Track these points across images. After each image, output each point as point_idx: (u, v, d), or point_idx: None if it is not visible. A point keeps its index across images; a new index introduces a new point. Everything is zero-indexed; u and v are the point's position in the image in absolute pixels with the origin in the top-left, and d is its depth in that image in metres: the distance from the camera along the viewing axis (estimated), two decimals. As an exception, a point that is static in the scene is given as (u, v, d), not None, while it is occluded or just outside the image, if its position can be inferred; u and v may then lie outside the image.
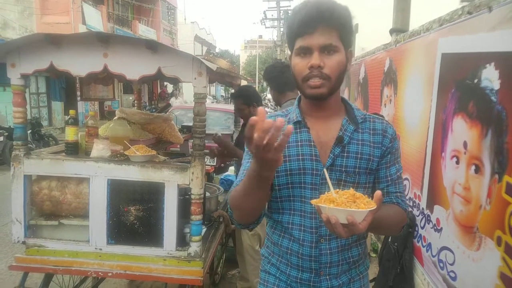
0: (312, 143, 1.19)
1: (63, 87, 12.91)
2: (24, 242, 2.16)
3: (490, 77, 1.91)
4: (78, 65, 2.00)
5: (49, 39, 1.95)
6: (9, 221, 2.18)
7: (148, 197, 2.10)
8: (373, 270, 3.59)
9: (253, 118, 0.82)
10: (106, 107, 15.56)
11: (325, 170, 1.07)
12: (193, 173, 2.02)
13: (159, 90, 20.89)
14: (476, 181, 2.04)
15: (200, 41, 34.05)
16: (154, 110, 14.96)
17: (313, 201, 0.95)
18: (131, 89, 12.90)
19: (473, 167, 2.08)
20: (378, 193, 0.92)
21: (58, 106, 14.38)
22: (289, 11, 25.95)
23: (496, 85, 1.86)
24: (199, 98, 1.99)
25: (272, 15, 27.98)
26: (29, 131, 9.15)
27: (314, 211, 1.17)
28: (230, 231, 3.04)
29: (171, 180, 2.05)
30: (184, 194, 2.15)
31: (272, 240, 1.33)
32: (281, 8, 25.51)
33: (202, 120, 2.02)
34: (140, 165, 2.07)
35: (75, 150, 2.25)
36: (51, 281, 2.34)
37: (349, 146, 1.19)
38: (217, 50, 44.68)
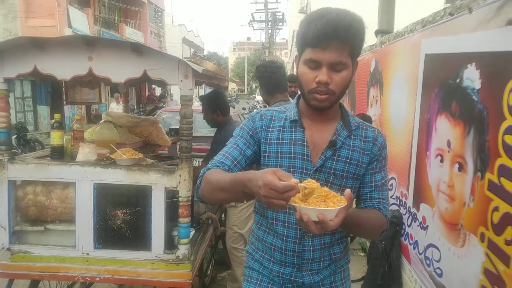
0: (305, 143, 1.22)
1: (49, 91, 12.73)
2: (9, 249, 2.13)
3: (472, 77, 1.95)
4: (63, 68, 1.98)
5: (33, 43, 1.93)
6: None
7: (135, 200, 2.09)
8: (363, 269, 3.62)
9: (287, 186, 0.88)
10: (93, 110, 15.39)
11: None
12: (180, 175, 2.02)
13: (147, 93, 20.75)
14: (460, 179, 2.08)
15: (188, 44, 33.95)
16: (142, 113, 14.87)
17: (291, 201, 0.97)
18: (118, 92, 12.81)
19: (456, 165, 2.12)
20: (347, 191, 0.95)
21: (44, 110, 14.17)
22: (277, 14, 26.06)
23: (477, 84, 1.90)
24: (186, 101, 1.99)
25: (260, 17, 28.08)
26: (14, 136, 8.99)
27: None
28: (220, 233, 3.04)
29: (158, 183, 2.04)
30: (172, 197, 2.14)
31: (257, 236, 1.36)
32: (268, 10, 25.61)
33: (189, 122, 2.02)
34: (126, 169, 2.06)
35: (60, 154, 2.23)
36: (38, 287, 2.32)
37: (340, 150, 1.22)
38: (205, 53, 44.59)
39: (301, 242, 1.24)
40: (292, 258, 1.26)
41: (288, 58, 30.58)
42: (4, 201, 2.09)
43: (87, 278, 2.13)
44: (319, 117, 1.23)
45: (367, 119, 3.73)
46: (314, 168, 1.20)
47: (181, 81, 1.95)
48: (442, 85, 2.32)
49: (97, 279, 2.12)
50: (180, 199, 2.05)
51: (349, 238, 4.05)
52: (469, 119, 1.99)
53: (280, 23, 26.86)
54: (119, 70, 1.95)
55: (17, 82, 11.44)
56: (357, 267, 3.72)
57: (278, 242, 1.27)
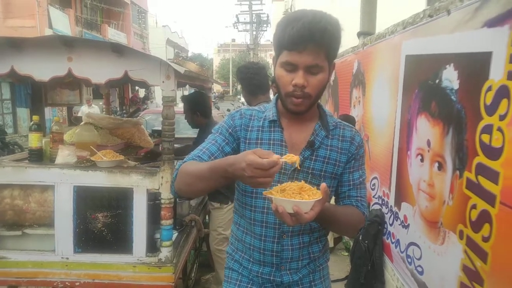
0: (284, 143, 1.23)
1: (29, 93, 12.39)
2: (-16, 254, 2.07)
3: (450, 78, 1.99)
4: (41, 69, 1.94)
5: (9, 43, 1.88)
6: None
7: (116, 203, 2.06)
8: (346, 269, 3.65)
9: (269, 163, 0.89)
10: (74, 112, 15.13)
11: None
12: (162, 177, 1.99)
13: (130, 95, 20.51)
14: (439, 178, 2.12)
15: (172, 45, 33.70)
16: (125, 115, 14.67)
17: (265, 192, 1.00)
18: (101, 94, 12.56)
19: (436, 165, 2.16)
20: (323, 185, 0.96)
21: (23, 112, 13.85)
22: (262, 15, 26.13)
23: (455, 85, 1.94)
24: (168, 102, 1.97)
25: (244, 19, 28.12)
26: (-8, 139, 8.78)
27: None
28: (203, 235, 3.02)
29: (140, 185, 2.01)
30: (154, 199, 2.12)
31: (236, 237, 1.36)
32: (253, 12, 25.65)
33: (171, 123, 2.01)
34: (107, 171, 2.03)
35: (39, 157, 2.18)
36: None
37: (318, 151, 1.23)
38: (189, 54, 44.35)
39: (280, 242, 1.24)
40: (271, 257, 1.26)
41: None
42: (-20, 206, 2.03)
43: (66, 283, 2.08)
44: (297, 118, 1.24)
45: (351, 119, 3.77)
46: (293, 168, 1.20)
47: (163, 82, 1.93)
48: (422, 85, 2.36)
49: (77, 283, 2.08)
50: (162, 201, 2.03)
51: (331, 238, 4.04)
52: (448, 119, 2.02)
53: (265, 25, 26.95)
54: (99, 70, 1.92)
55: (-5, 84, 11.17)
56: (341, 267, 3.75)
57: (256, 242, 1.27)
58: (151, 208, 2.08)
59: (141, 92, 21.20)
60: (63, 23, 14.93)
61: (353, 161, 1.26)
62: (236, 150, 1.24)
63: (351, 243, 3.74)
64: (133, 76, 1.91)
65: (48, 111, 14.51)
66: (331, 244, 4.07)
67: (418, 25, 2.40)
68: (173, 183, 1.20)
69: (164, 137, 2.02)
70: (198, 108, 3.00)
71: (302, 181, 1.05)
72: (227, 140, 1.24)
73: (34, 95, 3.20)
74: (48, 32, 13.50)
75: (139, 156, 3.01)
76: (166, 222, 2.05)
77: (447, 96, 2.01)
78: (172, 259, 2.09)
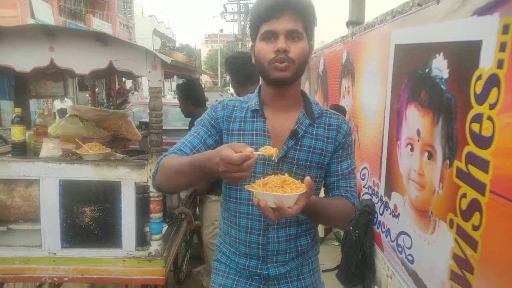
0: (267, 134, 1.19)
1: (12, 84, 12.15)
2: (-32, 251, 2.01)
3: (440, 67, 1.98)
4: (22, 59, 1.87)
5: (-13, 32, 1.81)
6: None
7: (104, 197, 2.02)
8: (337, 259, 3.67)
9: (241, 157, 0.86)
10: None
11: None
12: (150, 170, 1.95)
13: (117, 86, 20.21)
14: (429, 167, 2.12)
15: (159, 35, 33.22)
16: (112, 106, 14.47)
17: (247, 186, 0.96)
18: (86, 85, 12.35)
19: (426, 154, 2.16)
20: (307, 178, 0.93)
21: (7, 105, 13.51)
22: (249, 5, 25.88)
23: (445, 74, 1.93)
24: (155, 92, 1.93)
25: (232, 9, 27.84)
26: (-25, 133, 8.56)
27: None
28: (194, 227, 3.00)
29: (127, 178, 1.97)
30: (143, 192, 2.08)
31: (223, 230, 1.35)
32: (241, 2, 25.38)
33: (158, 115, 1.96)
34: (94, 164, 1.98)
35: (23, 150, 2.12)
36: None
37: (302, 140, 1.20)
38: (177, 45, 43.80)
39: (265, 234, 1.22)
40: (257, 250, 1.23)
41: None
42: (-38, 201, 1.97)
43: (54, 278, 2.04)
44: (281, 103, 1.21)
45: (341, 109, 3.76)
46: (277, 159, 1.18)
47: (150, 72, 1.88)
48: (412, 75, 2.35)
49: (66, 279, 2.04)
50: (151, 194, 1.99)
51: (321, 229, 4.04)
52: (437, 108, 2.02)
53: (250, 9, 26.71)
54: (83, 61, 1.86)
55: (-23, 76, 10.87)
56: (332, 256, 3.77)
57: (242, 235, 1.25)
58: (140, 202, 2.04)
59: (128, 84, 20.92)
60: (45, 12, 14.57)
61: (340, 150, 1.23)
62: (219, 143, 1.21)
63: (342, 233, 3.76)
64: (118, 67, 1.86)
65: (33, 104, 14.23)
66: (321, 234, 4.09)
67: (407, 14, 2.39)
68: (154, 177, 1.17)
69: (151, 129, 1.98)
70: (190, 97, 2.98)
71: (286, 173, 1.01)
72: (209, 133, 1.21)
73: (17, 87, 3.11)
74: (30, 22, 13.16)
75: (126, 148, 2.96)
76: (156, 216, 2.01)
77: (437, 85, 2.01)
78: (163, 252, 2.06)
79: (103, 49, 1.84)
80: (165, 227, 2.32)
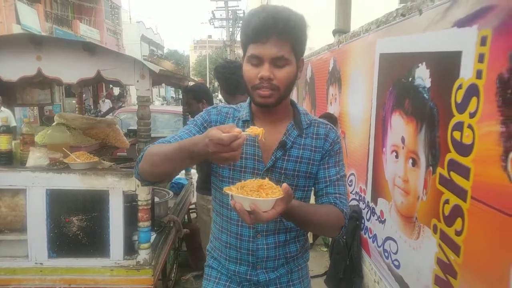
0: (256, 144, 1.21)
1: (-3, 91, 11.99)
2: (-48, 263, 1.99)
3: (423, 76, 2.04)
4: (9, 69, 1.86)
5: (-27, 41, 1.80)
6: None
7: (91, 206, 2.01)
8: (325, 264, 3.69)
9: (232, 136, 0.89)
10: (46, 112, 14.65)
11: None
12: (139, 178, 1.96)
13: (104, 93, 20.04)
14: (414, 174, 2.17)
15: (147, 41, 33.12)
16: (99, 113, 14.34)
17: (226, 188, 0.98)
18: (73, 93, 12.21)
19: (410, 161, 2.21)
20: (284, 185, 0.95)
21: (-9, 112, 13.34)
22: (238, 11, 26.04)
23: (427, 83, 1.99)
24: (143, 101, 1.94)
25: (220, 15, 27.92)
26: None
27: None
28: (182, 235, 2.99)
29: (115, 187, 1.97)
30: (131, 201, 2.08)
31: (214, 235, 1.36)
32: (229, 8, 25.51)
33: (146, 123, 1.97)
34: (81, 173, 1.98)
35: (9, 160, 2.10)
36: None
37: (290, 150, 1.22)
38: (165, 50, 43.70)
39: (255, 241, 1.24)
40: (247, 256, 1.25)
41: (249, 56, 30.57)
42: None
43: (41, 289, 2.03)
44: (269, 117, 1.22)
45: (333, 118, 3.81)
46: (265, 169, 1.19)
47: (138, 81, 1.89)
48: (396, 83, 2.40)
49: (53, 289, 2.03)
50: (139, 202, 1.99)
51: (310, 234, 4.06)
52: (421, 116, 2.08)
53: (241, 21, 26.83)
54: (71, 70, 1.87)
55: (-39, 82, 10.68)
56: (320, 262, 3.79)
57: (233, 241, 1.26)
58: (128, 210, 2.04)
59: (116, 90, 20.76)
60: (31, 18, 14.41)
61: (327, 158, 1.24)
62: None
63: (330, 239, 3.79)
64: (106, 76, 1.87)
65: (18, 111, 14.01)
66: (310, 240, 4.11)
67: (391, 24, 2.45)
68: (138, 164, 1.17)
69: (139, 137, 1.99)
70: (206, 97, 3.01)
71: (266, 178, 1.03)
72: (201, 132, 1.21)
73: (4, 94, 3.08)
74: (16, 28, 13.01)
75: (114, 156, 2.94)
76: (144, 224, 2.02)
77: (420, 94, 2.06)
78: (151, 261, 2.06)
79: (91, 59, 1.85)
80: (153, 236, 2.32)
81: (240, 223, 1.24)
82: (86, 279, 2.02)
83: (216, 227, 1.34)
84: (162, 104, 20.70)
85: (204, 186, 2.91)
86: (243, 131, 1.21)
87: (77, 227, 2.01)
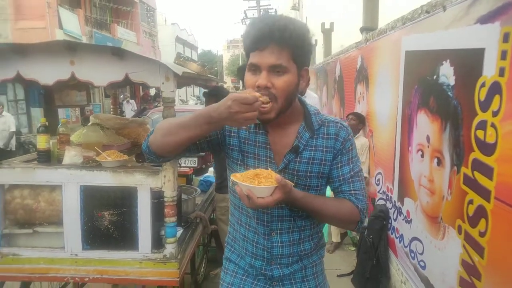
0: (268, 146, 1.24)
1: (42, 93, 12.66)
2: (-2, 252, 2.16)
3: (447, 74, 2.00)
4: (45, 73, 2.00)
5: (14, 48, 1.95)
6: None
7: (121, 201, 2.12)
8: (353, 264, 3.67)
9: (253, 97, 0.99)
10: (87, 112, 15.34)
11: None
12: (165, 176, 2.05)
13: (141, 93, 20.69)
14: (439, 173, 2.13)
15: (182, 42, 33.82)
16: (123, 114, 14.80)
17: (232, 175, 1.08)
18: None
19: (435, 160, 2.17)
20: (277, 175, 1.04)
21: (37, 112, 14.07)
22: (270, 10, 26.04)
23: (451, 81, 1.95)
24: (168, 102, 2.02)
25: (253, 14, 28.00)
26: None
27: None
28: (210, 231, 3.08)
29: (143, 184, 2.07)
30: (158, 197, 2.17)
31: (234, 226, 1.40)
32: (261, 7, 25.57)
33: (172, 123, 2.05)
34: (112, 170, 2.09)
35: (47, 157, 2.26)
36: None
37: (302, 152, 1.23)
38: (199, 51, 44.40)
39: (270, 239, 1.28)
40: (262, 251, 1.29)
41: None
42: (-8, 205, 2.12)
43: (76, 278, 2.16)
44: (280, 121, 1.21)
45: (361, 118, 3.78)
46: (277, 170, 1.21)
47: (163, 83, 1.98)
48: (421, 81, 2.36)
49: (87, 279, 2.16)
50: (165, 199, 2.08)
51: (337, 234, 4.04)
52: (445, 115, 2.04)
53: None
54: (101, 74, 1.98)
55: (9, 85, 11.38)
56: (348, 261, 3.77)
57: (250, 235, 1.31)
58: (155, 206, 2.14)
59: (152, 91, 21.36)
60: (73, 23, 15.11)
61: (339, 156, 1.25)
62: (219, 138, 1.28)
63: (358, 238, 3.77)
64: (134, 78, 1.96)
65: (61, 112, 14.74)
66: (337, 239, 4.10)
67: (416, 21, 2.41)
68: (148, 137, 1.23)
69: (166, 137, 2.07)
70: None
71: (269, 169, 1.12)
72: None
73: (47, 95, 3.28)
74: (58, 32, 13.70)
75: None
76: (170, 220, 2.10)
77: (444, 92, 2.03)
78: (177, 255, 2.15)
79: (120, 63, 1.95)
80: (180, 231, 2.41)
81: (256, 220, 1.28)
82: (116, 270, 2.13)
83: (235, 220, 1.38)
84: (196, 104, 21.11)
85: (222, 185, 3.00)
86: (256, 136, 1.25)
87: (108, 221, 2.13)
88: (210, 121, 1.05)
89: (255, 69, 1.11)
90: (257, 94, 1.02)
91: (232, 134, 1.28)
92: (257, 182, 1.04)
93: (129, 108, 12.54)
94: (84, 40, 15.56)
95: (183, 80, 2.40)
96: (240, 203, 1.33)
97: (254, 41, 1.10)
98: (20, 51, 1.95)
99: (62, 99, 3.26)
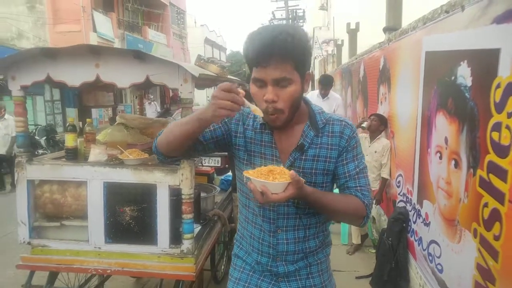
0: (274, 145, 1.29)
1: (76, 93, 13.24)
2: (29, 243, 2.30)
3: (464, 74, 1.97)
4: (73, 75, 2.13)
5: (44, 53, 2.09)
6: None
7: (141, 198, 2.22)
8: (373, 266, 3.63)
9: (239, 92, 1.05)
10: (119, 112, 15.87)
11: None
12: (182, 174, 2.12)
13: (171, 94, 21.15)
14: (456, 176, 2.10)
15: (211, 44, 34.30)
16: (169, 112, 15.22)
17: (245, 171, 1.11)
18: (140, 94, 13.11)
19: (453, 162, 2.14)
20: (291, 172, 1.05)
21: (72, 112, 14.73)
22: (298, 11, 25.93)
23: (468, 82, 1.92)
24: (186, 103, 2.10)
25: (281, 15, 27.99)
26: (43, 138, 9.43)
27: (272, 204, 1.27)
28: (229, 229, 3.14)
29: (162, 181, 2.16)
30: (177, 194, 2.26)
31: (242, 224, 1.45)
32: (289, 8, 25.52)
33: (189, 124, 2.13)
34: (133, 168, 2.19)
35: (74, 155, 2.39)
36: (58, 280, 2.49)
37: (307, 150, 1.27)
38: (228, 52, 44.83)
39: (275, 236, 1.31)
40: (268, 248, 1.33)
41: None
42: (24, 199, 2.27)
43: (99, 270, 2.28)
44: None
45: (383, 119, 3.74)
46: (284, 167, 1.26)
47: (181, 85, 2.05)
48: (440, 82, 2.33)
49: (108, 271, 2.27)
50: (183, 196, 2.16)
51: (358, 235, 4.01)
52: (462, 116, 2.01)
53: (301, 20, 26.67)
54: (124, 76, 2.08)
55: (46, 87, 11.94)
56: (367, 264, 3.74)
57: (256, 232, 1.35)
58: (174, 203, 2.22)
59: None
60: (106, 26, 15.67)
61: (345, 154, 1.27)
62: (226, 139, 1.33)
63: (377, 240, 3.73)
64: (154, 80, 2.05)
65: (95, 111, 15.33)
66: (358, 241, 4.07)
67: (436, 21, 2.38)
68: (156, 138, 1.31)
69: (184, 137, 2.15)
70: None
71: (281, 165, 1.14)
72: (220, 126, 1.32)
73: (80, 96, 3.45)
74: (92, 35, 14.25)
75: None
76: (187, 216, 2.18)
77: (461, 93, 2.00)
78: (194, 250, 2.22)
79: (141, 65, 2.05)
80: (198, 228, 2.49)
81: (261, 218, 1.33)
82: (136, 263, 2.23)
83: (243, 218, 1.43)
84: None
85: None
86: (262, 136, 1.30)
87: (129, 216, 2.23)
88: (199, 116, 1.12)
89: (261, 83, 1.15)
90: (242, 92, 1.06)
91: (238, 134, 1.33)
92: (272, 178, 1.07)
93: (152, 109, 12.86)
94: (117, 42, 16.11)
95: (202, 82, 2.48)
96: (247, 201, 1.38)
97: (256, 59, 1.12)
98: (50, 55, 2.09)
99: (89, 100, 3.42)
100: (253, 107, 1.12)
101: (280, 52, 1.09)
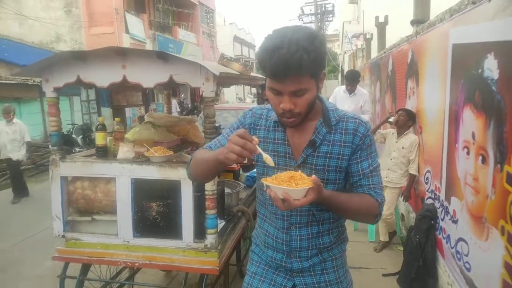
0: (286, 142, 1.31)
1: (109, 94, 13.67)
2: (63, 236, 2.44)
3: (491, 67, 1.91)
4: (101, 77, 2.23)
5: (75, 56, 2.19)
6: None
7: (167, 194, 2.29)
8: (400, 263, 3.57)
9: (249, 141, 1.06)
10: (151, 110, 16.26)
11: None
12: (205, 171, 2.18)
13: (201, 92, 21.49)
14: (483, 172, 2.04)
15: (239, 41, 34.45)
16: (195, 111, 15.51)
17: (263, 179, 1.11)
18: (174, 92, 13.43)
19: (480, 158, 2.08)
20: (313, 176, 1.04)
21: (107, 111, 15.26)
22: (327, 5, 25.55)
23: (495, 74, 1.86)
24: (208, 102, 2.15)
25: (310, 10, 27.67)
26: (80, 136, 9.86)
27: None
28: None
29: (186, 178, 2.20)
30: (201, 190, 2.32)
31: (258, 223, 1.49)
32: (318, 3, 25.19)
33: (211, 122, 2.18)
34: (158, 165, 2.27)
35: (104, 153, 2.50)
36: (90, 271, 2.62)
37: (320, 147, 1.28)
38: (256, 49, 44.87)
39: (288, 232, 1.34)
40: (282, 245, 1.36)
41: (340, 50, 29.87)
42: (58, 195, 2.40)
43: (128, 263, 2.38)
44: None
45: (412, 114, 3.66)
46: (296, 165, 1.27)
47: (203, 84, 2.10)
48: (467, 75, 2.26)
49: (137, 264, 2.37)
50: (206, 192, 2.21)
51: (385, 233, 3.97)
52: (489, 111, 1.94)
53: (330, 15, 26.25)
54: (149, 76, 2.15)
55: (82, 87, 12.43)
56: (395, 261, 3.68)
57: (272, 229, 1.38)
58: (198, 199, 2.28)
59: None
60: (138, 27, 16.09)
61: (359, 152, 1.27)
62: None
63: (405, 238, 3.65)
64: (177, 80, 2.11)
65: (128, 111, 15.82)
66: (385, 238, 4.00)
67: (463, 12, 2.30)
68: (188, 166, 1.37)
69: (206, 134, 2.21)
70: None
71: (299, 170, 1.13)
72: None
73: (111, 96, 3.60)
74: (125, 37, 14.68)
75: (190, 152, 3.25)
76: (210, 212, 2.23)
77: (488, 87, 1.93)
78: (217, 245, 2.27)
79: (165, 65, 2.11)
80: (222, 223, 2.55)
81: (275, 215, 1.35)
82: (163, 257, 2.31)
83: (260, 216, 1.47)
84: (253, 101, 21.45)
85: None
86: (275, 134, 1.32)
87: (155, 211, 2.31)
88: (217, 156, 1.14)
89: (277, 92, 1.16)
90: (256, 140, 1.07)
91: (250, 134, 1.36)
92: (294, 184, 1.06)
93: (172, 108, 13.13)
94: (148, 43, 16.51)
95: (225, 80, 2.52)
96: (264, 199, 1.40)
97: (272, 74, 1.12)
98: (79, 57, 2.19)
99: (123, 99, 3.56)
100: (264, 155, 1.12)
101: (296, 71, 1.08)
